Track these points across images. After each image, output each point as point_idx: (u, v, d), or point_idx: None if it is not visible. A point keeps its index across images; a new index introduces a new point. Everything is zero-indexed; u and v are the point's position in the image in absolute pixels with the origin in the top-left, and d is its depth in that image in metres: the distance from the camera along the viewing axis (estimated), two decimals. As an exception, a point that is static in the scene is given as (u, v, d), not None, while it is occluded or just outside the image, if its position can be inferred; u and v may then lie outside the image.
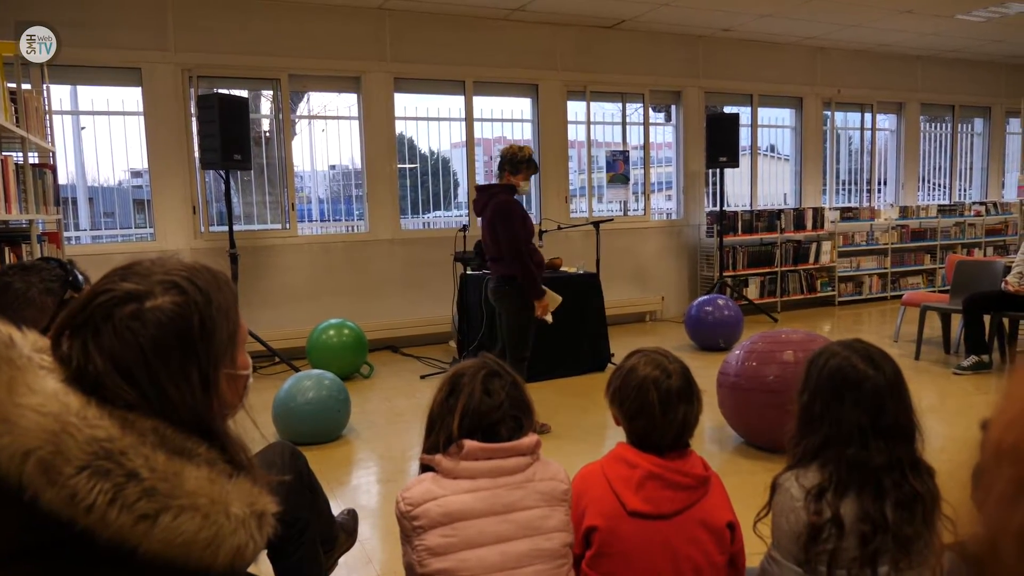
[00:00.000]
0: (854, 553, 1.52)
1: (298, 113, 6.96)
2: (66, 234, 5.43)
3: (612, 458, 1.75)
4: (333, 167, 7.21)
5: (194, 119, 6.10)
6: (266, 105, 6.82)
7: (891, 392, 1.62)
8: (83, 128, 6.16)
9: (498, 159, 4.40)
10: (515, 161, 4.31)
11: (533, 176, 4.49)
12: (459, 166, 7.67)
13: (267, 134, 6.76)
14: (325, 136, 7.02)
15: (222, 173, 5.79)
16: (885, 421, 1.59)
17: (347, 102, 7.00)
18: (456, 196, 7.73)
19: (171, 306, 1.00)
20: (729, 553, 1.71)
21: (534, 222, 7.33)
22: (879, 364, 1.64)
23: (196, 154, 6.15)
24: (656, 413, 1.69)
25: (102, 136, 6.14)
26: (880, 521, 1.52)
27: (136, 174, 6.59)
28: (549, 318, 4.38)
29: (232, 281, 1.12)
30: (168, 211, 6.20)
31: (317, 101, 7.06)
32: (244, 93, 6.24)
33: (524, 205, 4.62)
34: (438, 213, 7.55)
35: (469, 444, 1.58)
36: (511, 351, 4.35)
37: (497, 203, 4.27)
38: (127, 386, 0.96)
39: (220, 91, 5.78)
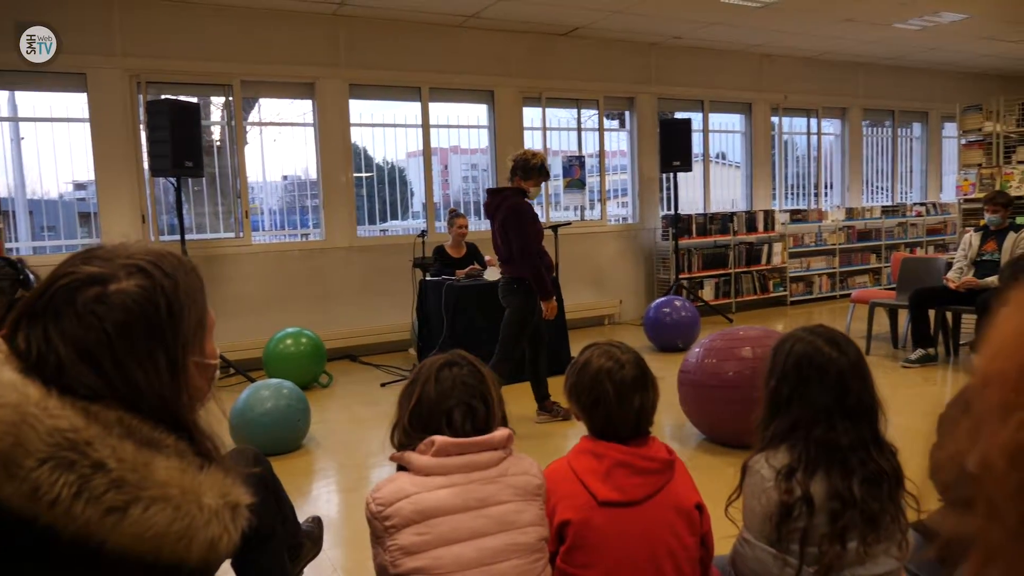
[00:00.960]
0: (824, 530, 1.56)
1: (249, 121, 6.85)
2: (5, 245, 5.25)
3: (578, 452, 1.75)
4: (285, 178, 7.11)
5: (143, 126, 5.96)
6: (216, 112, 6.69)
7: (855, 373, 1.66)
8: (23, 138, 5.96)
9: (511, 163, 4.52)
10: (527, 167, 4.43)
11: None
12: (414, 176, 7.65)
13: (218, 143, 6.64)
14: (276, 147, 6.91)
15: (173, 180, 5.66)
16: (850, 402, 1.63)
17: (299, 110, 6.92)
18: (412, 206, 7.70)
19: (136, 289, 0.96)
20: (699, 534, 1.72)
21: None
22: (843, 347, 1.69)
23: (145, 162, 6.00)
24: (612, 403, 1.70)
25: (44, 145, 5.95)
26: (848, 498, 1.56)
27: (80, 186, 6.41)
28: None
29: (198, 268, 1.08)
30: (116, 222, 6.02)
31: (268, 110, 6.96)
32: (194, 100, 6.12)
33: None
34: (394, 223, 7.50)
35: (440, 440, 1.56)
36: (502, 348, 4.42)
37: (510, 205, 4.38)
38: (91, 373, 0.92)
39: (170, 97, 5.65)
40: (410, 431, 1.62)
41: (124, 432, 0.90)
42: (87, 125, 5.93)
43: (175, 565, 0.88)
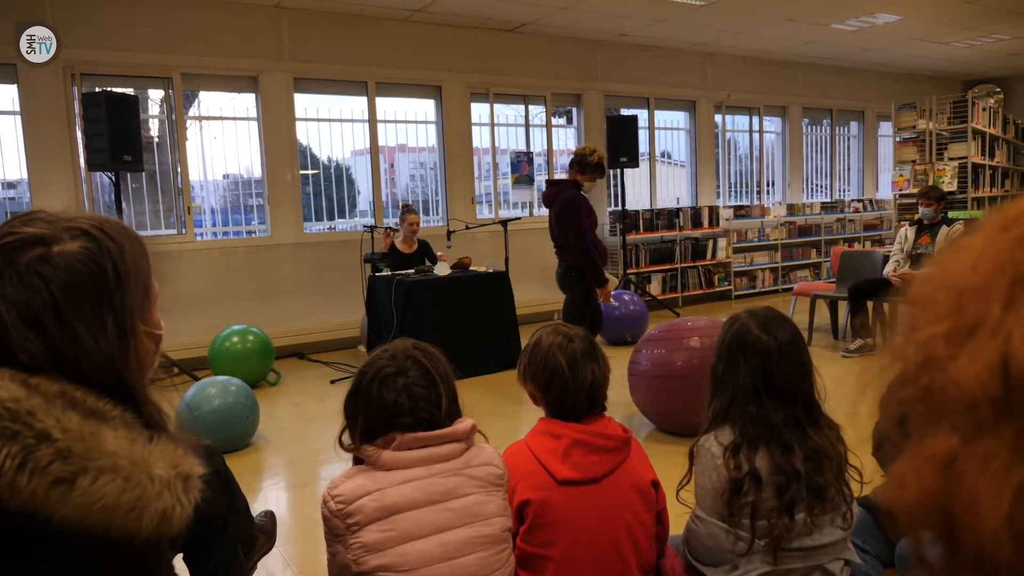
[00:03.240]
0: (773, 503, 1.60)
1: (189, 114, 6.67)
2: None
3: (536, 433, 1.77)
4: (226, 176, 6.93)
5: (79, 119, 5.76)
6: (153, 107, 6.49)
7: (781, 356, 1.69)
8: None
9: (571, 156, 4.85)
10: (584, 162, 4.68)
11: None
12: (358, 175, 7.56)
13: (157, 139, 6.44)
14: (217, 144, 6.71)
15: (111, 175, 5.48)
16: (777, 382, 1.68)
17: (241, 105, 6.76)
18: (358, 204, 7.61)
19: (82, 251, 0.93)
20: (656, 511, 1.76)
21: (443, 223, 7.33)
22: (771, 330, 1.72)
23: (82, 157, 5.80)
24: (567, 377, 1.72)
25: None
26: (792, 472, 1.60)
27: (10, 185, 6.15)
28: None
29: (143, 239, 1.06)
30: (51, 217, 5.80)
31: (207, 106, 6.76)
32: (132, 92, 5.94)
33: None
34: (340, 221, 7.39)
35: (401, 435, 1.53)
36: None
37: (565, 197, 4.69)
38: (35, 337, 0.88)
39: (107, 89, 5.47)
40: (360, 442, 1.57)
41: (67, 403, 0.87)
42: (17, 119, 5.71)
43: (126, 538, 0.86)
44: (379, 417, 1.55)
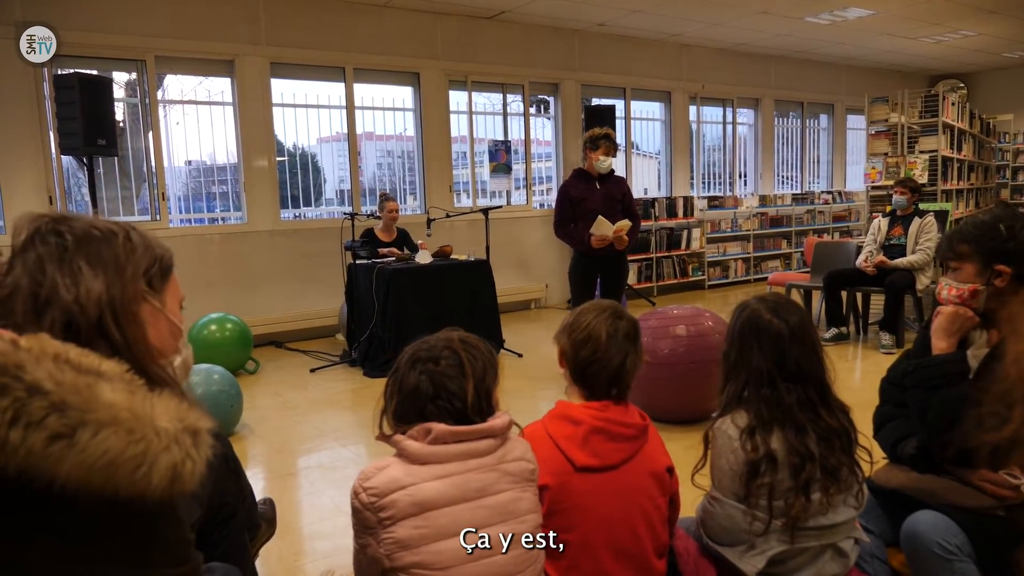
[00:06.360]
0: (789, 484, 1.64)
1: (159, 97, 6.51)
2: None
3: (554, 417, 1.75)
4: (189, 163, 6.77)
5: (48, 101, 5.60)
6: (118, 90, 6.31)
7: (793, 339, 1.73)
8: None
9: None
10: (592, 137, 4.82)
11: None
12: (324, 162, 7.47)
13: (122, 123, 6.27)
14: (182, 129, 6.56)
15: (84, 160, 5.34)
16: (789, 365, 1.71)
17: (210, 89, 6.61)
18: (324, 193, 7.51)
19: (102, 223, 1.05)
20: (669, 495, 1.78)
21: (412, 212, 7.28)
22: (782, 314, 1.77)
23: (52, 140, 5.65)
24: (602, 343, 1.72)
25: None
26: (806, 453, 1.64)
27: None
28: (610, 234, 4.66)
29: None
30: (19, 204, 5.65)
31: (174, 90, 6.58)
32: (106, 74, 5.78)
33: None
34: (306, 209, 7.27)
35: (437, 428, 1.49)
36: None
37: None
38: (36, 278, 0.95)
39: (80, 71, 5.33)
40: (396, 424, 1.55)
41: (60, 360, 0.83)
42: (-16, 100, 5.54)
43: (137, 497, 0.80)
44: (407, 400, 1.53)
